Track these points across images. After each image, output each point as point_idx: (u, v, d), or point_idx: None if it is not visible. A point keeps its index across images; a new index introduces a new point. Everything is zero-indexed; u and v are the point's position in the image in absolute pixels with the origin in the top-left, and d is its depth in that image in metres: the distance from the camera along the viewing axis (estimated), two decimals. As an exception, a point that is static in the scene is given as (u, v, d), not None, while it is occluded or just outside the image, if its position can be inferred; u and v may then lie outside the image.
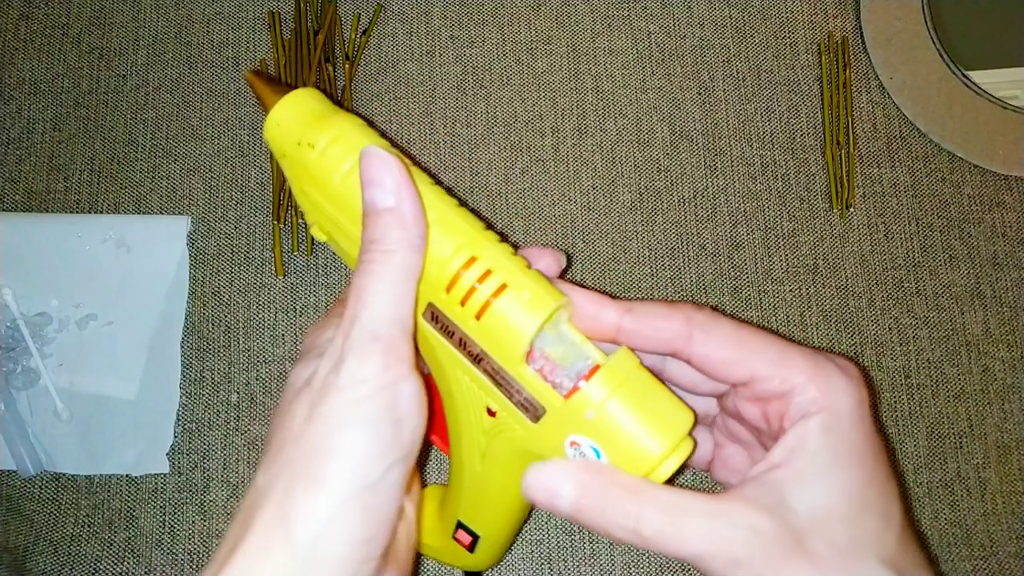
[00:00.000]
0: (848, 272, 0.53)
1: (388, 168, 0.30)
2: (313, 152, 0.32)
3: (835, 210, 0.53)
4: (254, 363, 0.50)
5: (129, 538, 0.48)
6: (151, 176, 0.53)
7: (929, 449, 0.50)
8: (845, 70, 0.55)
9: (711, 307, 0.33)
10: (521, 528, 0.40)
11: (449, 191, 0.33)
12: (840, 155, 0.54)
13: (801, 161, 0.54)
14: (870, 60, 0.56)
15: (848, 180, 0.54)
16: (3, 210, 0.52)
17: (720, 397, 0.34)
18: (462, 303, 0.30)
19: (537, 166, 0.54)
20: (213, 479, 0.48)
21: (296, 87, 0.34)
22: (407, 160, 0.32)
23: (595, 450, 0.29)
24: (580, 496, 0.29)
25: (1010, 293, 0.53)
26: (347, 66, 0.54)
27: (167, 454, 0.48)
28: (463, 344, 0.31)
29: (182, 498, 0.48)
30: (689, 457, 0.30)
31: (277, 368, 0.50)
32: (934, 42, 0.56)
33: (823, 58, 0.56)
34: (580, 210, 0.53)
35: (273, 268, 0.51)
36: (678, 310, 0.32)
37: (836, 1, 0.57)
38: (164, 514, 0.48)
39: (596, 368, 0.30)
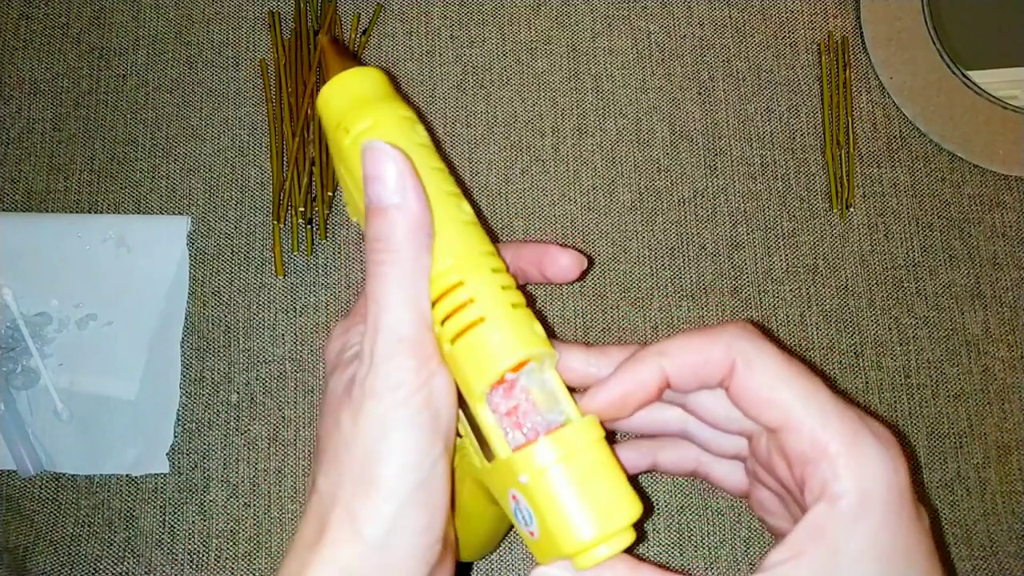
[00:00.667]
0: (848, 272, 0.53)
1: (391, 163, 0.29)
2: (347, 138, 0.31)
3: (835, 210, 0.53)
4: (254, 363, 0.50)
5: (129, 538, 0.48)
6: (151, 176, 0.53)
7: (929, 449, 0.50)
8: (845, 70, 0.55)
9: (756, 326, 0.30)
10: (508, 531, 0.41)
11: (470, 199, 0.32)
12: (840, 155, 0.54)
13: (801, 161, 0.54)
14: (870, 60, 0.56)
15: (848, 180, 0.54)
16: (3, 210, 0.52)
17: (751, 439, 0.32)
18: (441, 323, 0.29)
19: (537, 166, 0.54)
20: (213, 479, 0.48)
21: (364, 64, 0.32)
22: (427, 155, 0.31)
23: (529, 514, 0.27)
24: None
25: (1010, 293, 0.53)
26: (347, 66, 0.54)
27: (167, 454, 0.48)
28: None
29: (182, 498, 0.48)
30: (633, 545, 0.27)
31: (277, 368, 0.50)
32: (934, 42, 0.56)
33: (823, 58, 0.56)
34: (580, 210, 0.53)
35: (273, 268, 0.51)
36: (718, 340, 0.29)
37: (836, 1, 0.57)
38: (164, 514, 0.48)
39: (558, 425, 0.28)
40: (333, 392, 0.31)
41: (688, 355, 0.29)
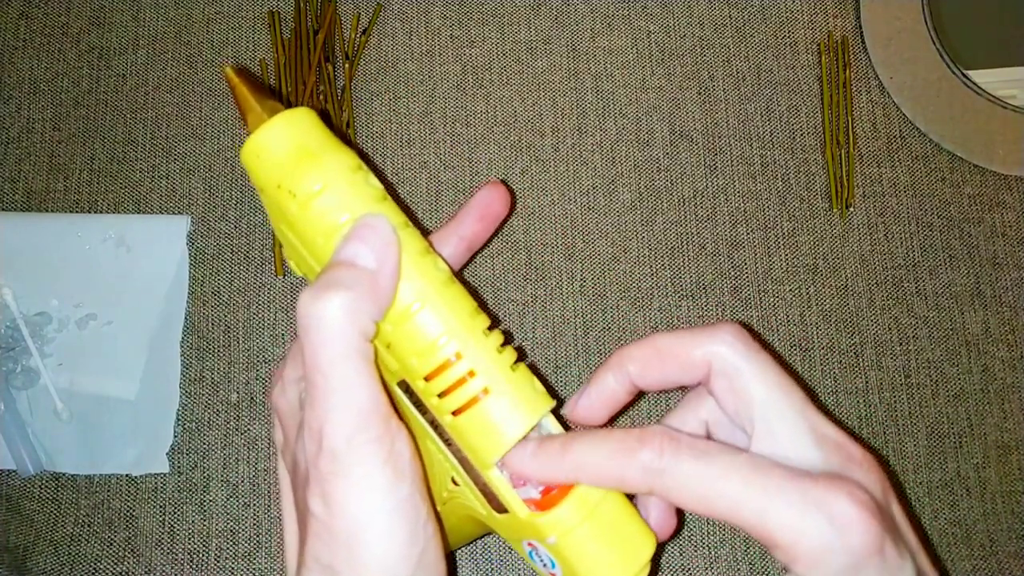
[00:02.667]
0: (848, 272, 0.53)
1: (379, 238, 0.27)
2: (294, 201, 0.27)
3: (835, 210, 0.53)
4: (254, 363, 0.50)
5: (129, 538, 0.48)
6: (151, 176, 0.53)
7: (929, 449, 0.50)
8: (845, 70, 0.55)
9: (743, 333, 0.29)
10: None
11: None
12: (840, 155, 0.54)
13: (801, 161, 0.54)
14: (870, 60, 0.56)
15: (848, 180, 0.54)
16: (3, 210, 0.52)
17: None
18: (440, 396, 0.28)
19: (537, 166, 0.54)
20: (213, 479, 0.48)
21: (280, 100, 0.29)
22: (401, 223, 0.29)
23: (551, 561, 0.29)
24: None
25: (1010, 293, 0.53)
26: (347, 66, 0.54)
27: (167, 454, 0.48)
28: (435, 425, 0.29)
29: (182, 498, 0.48)
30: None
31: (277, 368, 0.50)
32: (934, 42, 0.56)
33: (823, 58, 0.56)
34: (580, 210, 0.53)
35: (273, 268, 0.51)
36: (701, 342, 0.29)
37: (836, 1, 0.57)
38: (164, 514, 0.48)
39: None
40: (297, 466, 0.29)
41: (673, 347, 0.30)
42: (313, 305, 0.26)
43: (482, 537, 0.39)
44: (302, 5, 0.55)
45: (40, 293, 0.50)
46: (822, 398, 0.51)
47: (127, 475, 0.48)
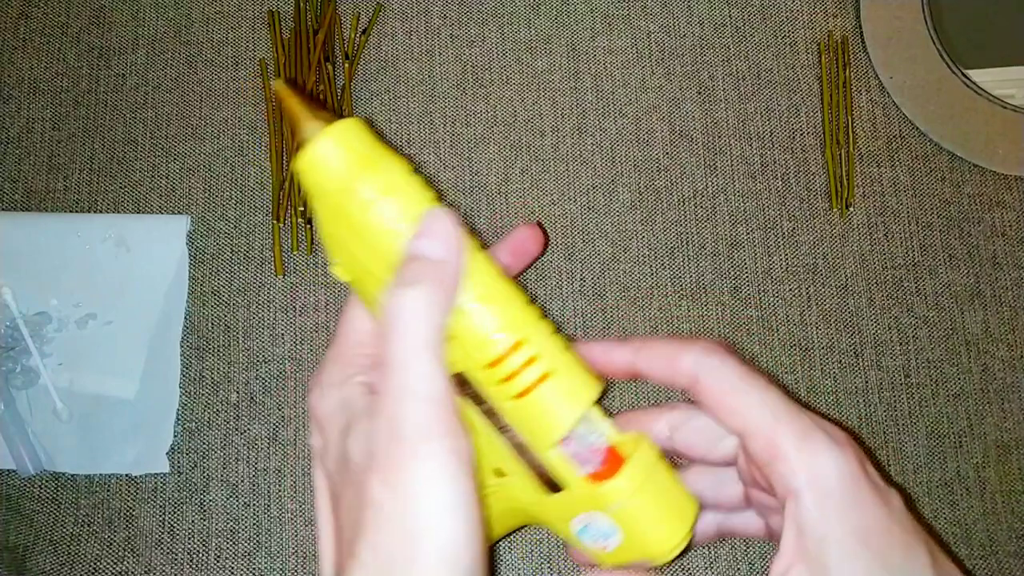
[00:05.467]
0: (848, 271, 0.53)
1: (448, 233, 0.29)
2: (357, 204, 0.29)
3: (835, 209, 0.53)
4: (254, 363, 0.50)
5: (129, 537, 0.48)
6: (150, 175, 0.53)
7: (929, 448, 0.50)
8: (845, 69, 0.55)
9: (727, 344, 0.33)
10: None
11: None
12: (840, 154, 0.54)
13: (801, 160, 0.54)
14: (870, 59, 0.56)
15: (848, 179, 0.54)
16: (2, 209, 0.52)
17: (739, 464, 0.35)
18: (502, 381, 0.30)
19: (537, 165, 0.54)
20: (213, 479, 0.48)
21: (332, 110, 0.30)
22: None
23: (612, 528, 0.31)
24: None
25: (1010, 292, 0.53)
26: (347, 65, 0.54)
27: (167, 454, 0.48)
28: (490, 413, 0.31)
29: (182, 497, 0.48)
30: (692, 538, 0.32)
31: (277, 368, 0.50)
32: (934, 41, 0.56)
33: (823, 57, 0.56)
34: (580, 209, 0.53)
35: (273, 267, 0.51)
36: (688, 351, 0.32)
37: (836, 1, 0.57)
38: (164, 513, 0.48)
39: (610, 448, 0.31)
40: (352, 458, 0.29)
41: (660, 360, 0.33)
42: (395, 299, 0.28)
43: (506, 537, 0.39)
44: (302, 5, 0.55)
45: (40, 293, 0.50)
46: (822, 398, 0.51)
47: (127, 475, 0.48)
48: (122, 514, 0.48)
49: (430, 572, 0.26)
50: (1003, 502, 0.50)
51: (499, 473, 0.32)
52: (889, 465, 0.50)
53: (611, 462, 0.31)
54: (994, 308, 0.52)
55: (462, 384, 0.30)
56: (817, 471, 0.29)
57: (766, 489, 0.32)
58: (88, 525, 0.48)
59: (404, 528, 0.27)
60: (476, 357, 0.29)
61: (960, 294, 0.53)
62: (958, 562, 0.34)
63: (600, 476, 0.31)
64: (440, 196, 0.31)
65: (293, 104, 0.30)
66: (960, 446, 0.50)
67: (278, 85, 0.30)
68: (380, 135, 0.33)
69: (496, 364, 0.29)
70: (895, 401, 0.51)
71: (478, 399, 0.31)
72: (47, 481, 0.48)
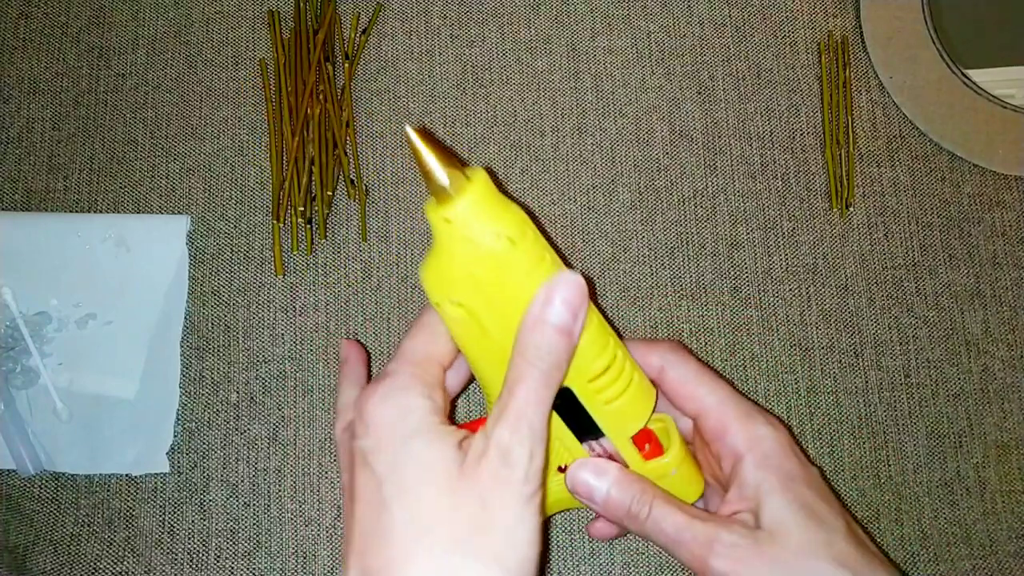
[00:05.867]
0: (848, 271, 0.53)
1: (578, 295, 0.32)
2: (503, 243, 0.32)
3: (835, 209, 0.53)
4: (254, 363, 0.50)
5: (129, 537, 0.48)
6: (150, 175, 0.53)
7: (929, 448, 0.50)
8: (845, 69, 0.55)
9: (684, 346, 0.41)
10: None
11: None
12: (840, 154, 0.54)
13: (801, 160, 0.54)
14: (870, 59, 0.56)
15: (848, 179, 0.54)
16: (2, 209, 0.52)
17: (693, 441, 0.43)
18: (598, 391, 0.36)
19: (537, 165, 0.54)
20: (212, 479, 0.48)
21: (458, 160, 0.33)
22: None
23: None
24: (612, 488, 0.37)
25: (1010, 292, 0.53)
26: (347, 65, 0.54)
27: (167, 454, 0.48)
28: (574, 416, 0.37)
29: (182, 497, 0.48)
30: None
31: (277, 368, 0.50)
32: (934, 41, 0.56)
33: (823, 57, 0.56)
34: (580, 209, 0.53)
35: (273, 267, 0.51)
36: (656, 348, 0.40)
37: (836, 1, 0.57)
38: (164, 513, 0.48)
39: (650, 432, 0.40)
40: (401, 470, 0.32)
41: (635, 356, 0.38)
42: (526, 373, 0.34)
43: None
44: (302, 5, 0.55)
45: (40, 293, 0.50)
46: (822, 398, 0.51)
47: (127, 475, 0.48)
48: (122, 514, 0.48)
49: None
50: (1003, 502, 0.50)
51: (561, 469, 0.38)
52: (889, 465, 0.50)
53: (654, 444, 0.39)
54: (994, 308, 0.52)
55: (563, 397, 0.36)
56: (756, 440, 0.38)
57: (713, 463, 0.40)
58: (88, 525, 0.48)
59: (500, 535, 0.31)
60: (586, 370, 0.35)
61: (960, 294, 0.53)
62: (873, 539, 0.39)
63: (650, 455, 0.39)
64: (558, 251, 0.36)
65: (433, 153, 0.31)
66: (960, 446, 0.50)
67: (415, 133, 0.31)
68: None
69: (596, 379, 0.36)
70: (895, 401, 0.51)
71: (565, 410, 0.37)
72: (47, 481, 0.48)
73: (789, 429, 0.39)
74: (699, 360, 0.41)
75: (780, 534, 0.35)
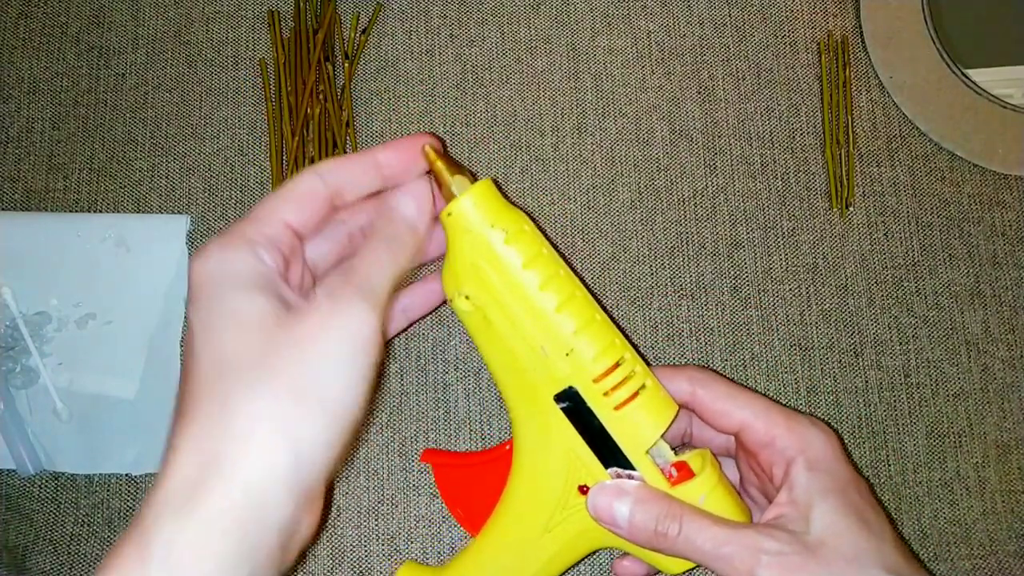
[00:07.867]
0: (848, 271, 0.53)
1: (423, 189, 0.37)
2: (500, 235, 0.36)
3: (835, 209, 0.53)
4: (254, 362, 0.50)
5: (129, 537, 0.48)
6: (150, 175, 0.53)
7: (929, 448, 0.50)
8: (845, 69, 0.55)
9: (711, 369, 0.41)
10: None
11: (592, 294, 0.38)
12: (840, 154, 0.54)
13: (801, 160, 0.54)
14: (870, 59, 0.56)
15: (848, 179, 0.54)
16: (2, 209, 0.52)
17: (736, 459, 0.41)
18: (605, 394, 0.36)
19: (537, 165, 0.54)
20: (213, 478, 0.48)
21: (470, 172, 0.37)
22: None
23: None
24: (635, 508, 0.35)
25: (1010, 292, 0.53)
26: (346, 65, 0.54)
27: (167, 453, 0.48)
28: (586, 428, 0.37)
29: (182, 497, 0.48)
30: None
31: (277, 367, 0.50)
32: (934, 41, 0.56)
33: (823, 57, 0.56)
34: (580, 209, 0.53)
35: (273, 267, 0.51)
36: (682, 372, 0.39)
37: (836, 0, 0.57)
38: (164, 513, 0.48)
39: (680, 463, 0.37)
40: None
41: (661, 379, 0.39)
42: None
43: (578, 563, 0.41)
44: (302, 5, 0.55)
45: (40, 293, 0.50)
46: (822, 398, 0.51)
47: (127, 475, 0.48)
48: (122, 514, 0.48)
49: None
50: (1003, 502, 0.50)
51: (582, 489, 0.37)
52: (889, 465, 0.50)
53: (685, 470, 0.37)
54: (994, 308, 0.52)
55: (568, 399, 0.36)
56: (808, 443, 0.36)
57: (759, 476, 0.39)
58: (88, 525, 0.48)
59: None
60: (587, 371, 0.36)
61: (960, 294, 0.53)
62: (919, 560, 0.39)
63: (679, 480, 0.37)
64: (552, 243, 0.38)
65: (445, 164, 0.37)
66: (960, 446, 0.50)
67: (429, 151, 0.37)
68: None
69: (601, 379, 0.36)
70: (895, 401, 0.51)
71: (577, 414, 0.36)
72: (47, 481, 0.48)
73: (838, 434, 0.38)
74: (728, 378, 0.40)
75: (830, 540, 0.34)
